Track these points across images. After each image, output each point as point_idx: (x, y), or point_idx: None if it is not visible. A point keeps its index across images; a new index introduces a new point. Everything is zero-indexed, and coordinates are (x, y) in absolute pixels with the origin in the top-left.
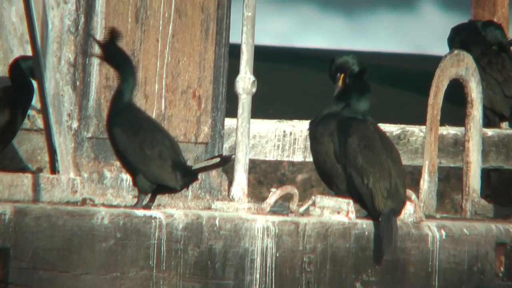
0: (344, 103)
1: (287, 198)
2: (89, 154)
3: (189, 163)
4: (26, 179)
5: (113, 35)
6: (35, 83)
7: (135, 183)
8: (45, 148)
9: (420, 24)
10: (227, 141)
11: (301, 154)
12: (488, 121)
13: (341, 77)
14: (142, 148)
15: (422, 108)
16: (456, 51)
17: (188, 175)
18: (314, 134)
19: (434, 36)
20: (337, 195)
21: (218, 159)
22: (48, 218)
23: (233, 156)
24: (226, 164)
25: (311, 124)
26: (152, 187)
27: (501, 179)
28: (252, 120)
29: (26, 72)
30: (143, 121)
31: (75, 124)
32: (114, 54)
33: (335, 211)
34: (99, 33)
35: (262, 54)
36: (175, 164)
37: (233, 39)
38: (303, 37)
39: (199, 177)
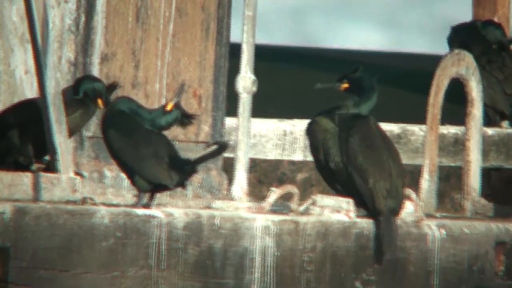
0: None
1: (287, 197)
2: (89, 154)
3: None
4: (26, 178)
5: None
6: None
7: (133, 183)
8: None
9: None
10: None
11: (301, 153)
12: (489, 120)
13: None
14: (137, 148)
15: (423, 108)
16: (456, 51)
17: (187, 169)
18: (312, 133)
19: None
20: (337, 194)
21: (215, 146)
22: (48, 217)
23: (230, 142)
24: (224, 151)
25: (309, 123)
26: (150, 186)
27: (501, 178)
28: (252, 119)
29: (88, 92)
30: (137, 123)
31: None
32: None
33: (335, 210)
34: (100, 32)
35: (263, 53)
36: (172, 161)
37: (234, 38)
38: (302, 37)
39: (199, 176)
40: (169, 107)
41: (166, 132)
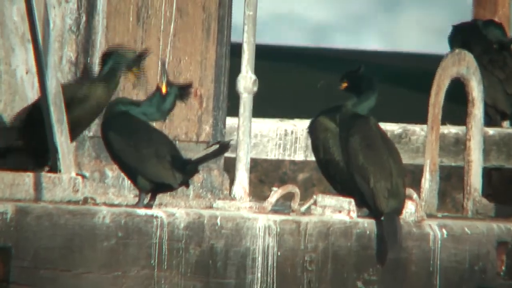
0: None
1: (288, 197)
2: (90, 153)
3: None
4: (27, 178)
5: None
6: None
7: (135, 183)
8: None
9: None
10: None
11: (302, 153)
12: (490, 119)
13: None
14: (138, 148)
15: (424, 107)
16: (457, 50)
17: (188, 169)
18: (313, 132)
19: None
20: (338, 194)
21: (216, 146)
22: (50, 217)
23: (231, 142)
24: (225, 151)
25: (311, 123)
26: (151, 186)
27: (502, 178)
28: (253, 119)
29: (116, 65)
30: (138, 123)
31: None
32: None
33: (337, 210)
34: (101, 32)
35: (264, 53)
36: (173, 161)
37: (235, 38)
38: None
39: (201, 176)
40: (164, 90)
41: (166, 132)
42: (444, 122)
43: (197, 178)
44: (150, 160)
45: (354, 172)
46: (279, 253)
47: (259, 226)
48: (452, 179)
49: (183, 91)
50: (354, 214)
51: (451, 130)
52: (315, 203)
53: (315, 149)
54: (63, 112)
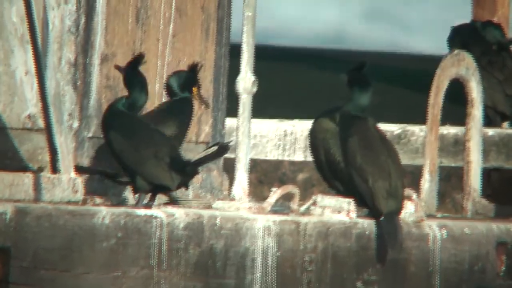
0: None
1: (288, 197)
2: (90, 154)
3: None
4: (27, 179)
5: (136, 60)
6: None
7: (134, 184)
8: (46, 147)
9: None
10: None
11: (301, 153)
12: (490, 120)
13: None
14: (138, 149)
15: (423, 108)
16: (456, 51)
17: (188, 170)
18: (313, 132)
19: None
20: (338, 194)
21: (215, 148)
22: (49, 218)
23: (230, 143)
24: (224, 152)
25: (312, 124)
26: (150, 187)
27: (502, 179)
28: (252, 120)
29: (176, 88)
30: (139, 123)
31: (76, 124)
32: (131, 79)
33: (336, 211)
34: (100, 33)
35: (263, 53)
36: (172, 162)
37: (234, 39)
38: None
39: (200, 176)
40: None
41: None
42: (443, 122)
43: (197, 179)
44: (149, 161)
45: (353, 173)
46: (278, 254)
47: (259, 227)
48: (451, 180)
49: (133, 66)
50: (353, 214)
51: (451, 130)
52: (314, 203)
53: (315, 150)
54: (62, 113)
